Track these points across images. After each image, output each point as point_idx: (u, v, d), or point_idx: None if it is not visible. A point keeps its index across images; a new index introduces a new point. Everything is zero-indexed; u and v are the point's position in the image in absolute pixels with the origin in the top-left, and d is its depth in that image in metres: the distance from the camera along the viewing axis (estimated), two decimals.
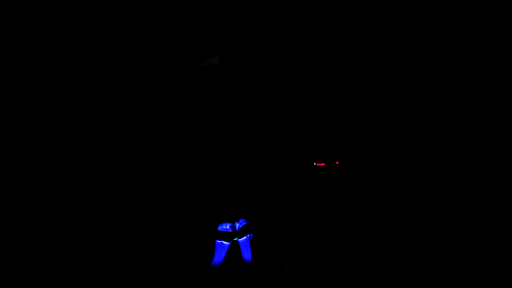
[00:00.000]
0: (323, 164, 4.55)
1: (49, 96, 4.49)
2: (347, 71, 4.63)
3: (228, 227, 3.90)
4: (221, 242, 3.89)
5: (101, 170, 4.49)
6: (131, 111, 4.59)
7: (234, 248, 3.90)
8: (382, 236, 4.31)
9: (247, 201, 4.44)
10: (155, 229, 4.39)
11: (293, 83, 4.65)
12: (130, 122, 4.58)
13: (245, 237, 3.88)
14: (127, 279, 4.08)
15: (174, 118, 4.63)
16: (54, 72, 4.49)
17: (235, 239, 3.87)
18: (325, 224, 4.41)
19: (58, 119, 4.50)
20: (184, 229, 4.38)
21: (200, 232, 4.27)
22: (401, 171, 4.50)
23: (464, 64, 4.48)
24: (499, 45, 4.41)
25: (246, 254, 3.89)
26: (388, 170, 4.52)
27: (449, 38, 4.49)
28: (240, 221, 3.92)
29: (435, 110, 4.50)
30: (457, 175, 4.40)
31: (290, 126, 4.61)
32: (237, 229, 3.86)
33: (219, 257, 3.90)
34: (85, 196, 4.43)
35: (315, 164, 4.55)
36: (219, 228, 3.90)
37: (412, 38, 4.53)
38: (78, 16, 4.41)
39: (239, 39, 4.61)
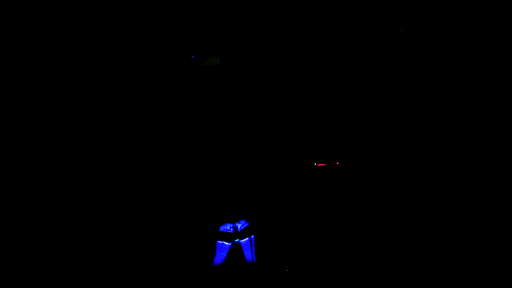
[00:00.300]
0: (324, 164, 4.56)
1: (50, 97, 4.48)
2: (347, 71, 4.63)
3: (229, 228, 3.90)
4: (222, 243, 3.89)
5: (102, 171, 4.49)
6: (132, 111, 4.59)
7: (235, 248, 3.91)
8: (382, 236, 4.32)
9: (248, 201, 4.44)
10: (156, 229, 4.40)
11: (293, 84, 4.65)
12: (131, 123, 4.58)
13: (246, 238, 3.88)
14: (128, 279, 4.09)
15: (175, 118, 4.63)
16: (55, 72, 4.49)
17: (236, 240, 3.87)
18: (325, 224, 4.42)
19: (59, 119, 4.50)
20: (185, 229, 4.39)
21: (201, 232, 4.28)
22: (401, 171, 4.50)
23: (464, 64, 4.48)
24: (499, 45, 4.42)
25: (248, 255, 3.89)
26: (389, 171, 4.52)
27: (449, 38, 4.50)
28: (240, 222, 3.92)
29: (435, 110, 4.51)
30: (456, 175, 4.41)
31: (291, 127, 4.61)
32: (239, 230, 3.87)
33: (220, 257, 3.90)
34: (86, 196, 4.44)
35: (315, 164, 4.56)
36: (221, 229, 3.90)
37: (412, 38, 4.53)
38: (80, 18, 4.41)
39: (239, 39, 4.61)
